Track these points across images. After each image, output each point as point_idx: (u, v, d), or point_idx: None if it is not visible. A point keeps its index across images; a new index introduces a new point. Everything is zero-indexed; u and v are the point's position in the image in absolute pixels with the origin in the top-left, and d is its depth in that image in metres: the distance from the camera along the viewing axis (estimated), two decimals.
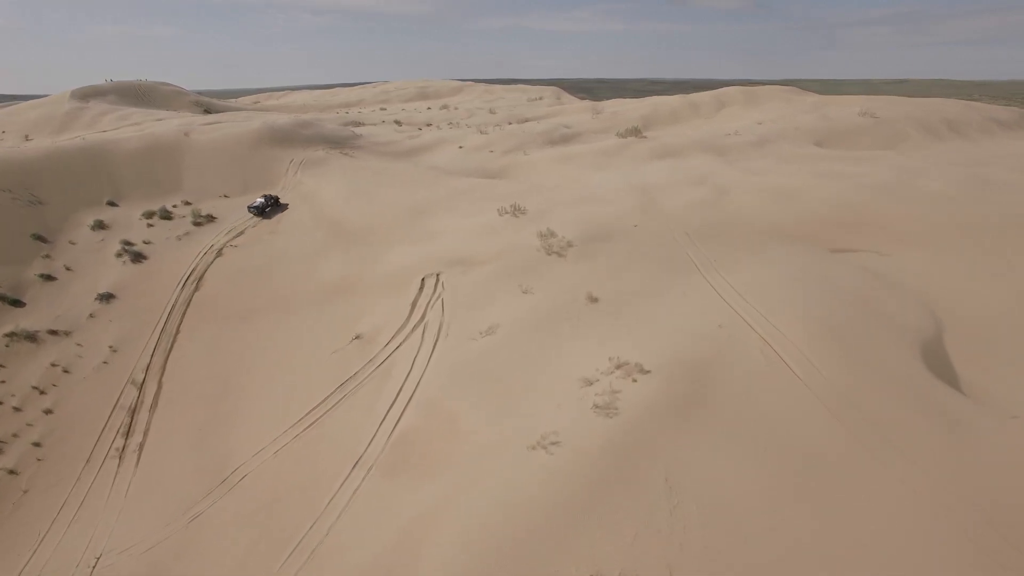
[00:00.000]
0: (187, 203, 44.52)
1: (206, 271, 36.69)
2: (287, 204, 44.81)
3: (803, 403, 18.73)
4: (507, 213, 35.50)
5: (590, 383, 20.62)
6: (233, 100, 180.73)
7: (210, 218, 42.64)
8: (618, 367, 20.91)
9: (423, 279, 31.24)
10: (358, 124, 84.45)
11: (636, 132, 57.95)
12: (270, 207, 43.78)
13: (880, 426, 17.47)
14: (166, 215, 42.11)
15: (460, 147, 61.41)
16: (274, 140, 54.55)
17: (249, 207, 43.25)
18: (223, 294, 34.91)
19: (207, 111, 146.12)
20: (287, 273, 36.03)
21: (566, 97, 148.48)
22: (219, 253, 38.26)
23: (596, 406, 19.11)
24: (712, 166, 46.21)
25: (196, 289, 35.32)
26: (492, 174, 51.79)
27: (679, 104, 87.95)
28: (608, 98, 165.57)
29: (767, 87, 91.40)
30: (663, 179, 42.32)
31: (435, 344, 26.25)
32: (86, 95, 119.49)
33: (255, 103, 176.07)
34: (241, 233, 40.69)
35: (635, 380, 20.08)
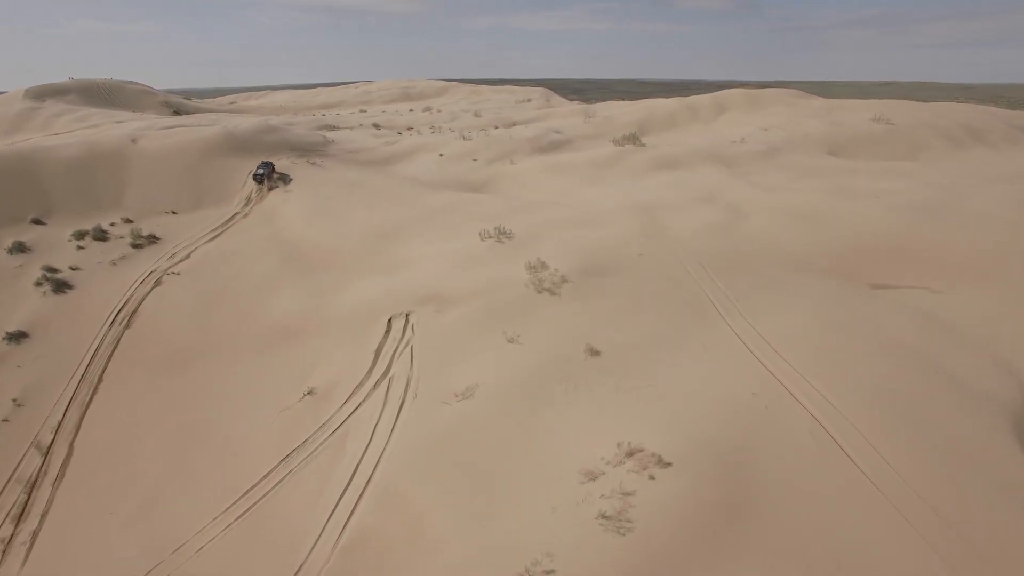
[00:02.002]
0: (128, 221, 39.86)
1: (141, 304, 32.07)
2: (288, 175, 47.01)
3: (875, 513, 14.55)
4: (490, 237, 31.18)
5: (593, 477, 16.32)
6: (211, 100, 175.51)
7: (152, 239, 38.01)
8: (629, 455, 16.63)
9: (390, 319, 26.84)
10: (332, 128, 79.82)
11: (634, 140, 53.88)
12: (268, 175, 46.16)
13: (985, 554, 13.30)
14: (101, 235, 37.42)
15: (441, 155, 57.03)
16: (232, 148, 49.91)
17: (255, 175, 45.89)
18: (158, 333, 30.30)
19: (176, 112, 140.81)
20: (235, 307, 31.47)
21: (556, 99, 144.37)
22: (158, 282, 33.64)
23: (603, 516, 14.82)
24: (720, 180, 42.18)
25: (127, 327, 30.70)
26: (475, 186, 47.44)
27: (676, 108, 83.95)
28: (597, 99, 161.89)
29: (770, 90, 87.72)
30: (667, 196, 38.20)
31: (400, 407, 21.83)
32: (42, 94, 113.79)
33: (232, 103, 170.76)
34: (186, 257, 36.09)
35: (652, 477, 15.81)
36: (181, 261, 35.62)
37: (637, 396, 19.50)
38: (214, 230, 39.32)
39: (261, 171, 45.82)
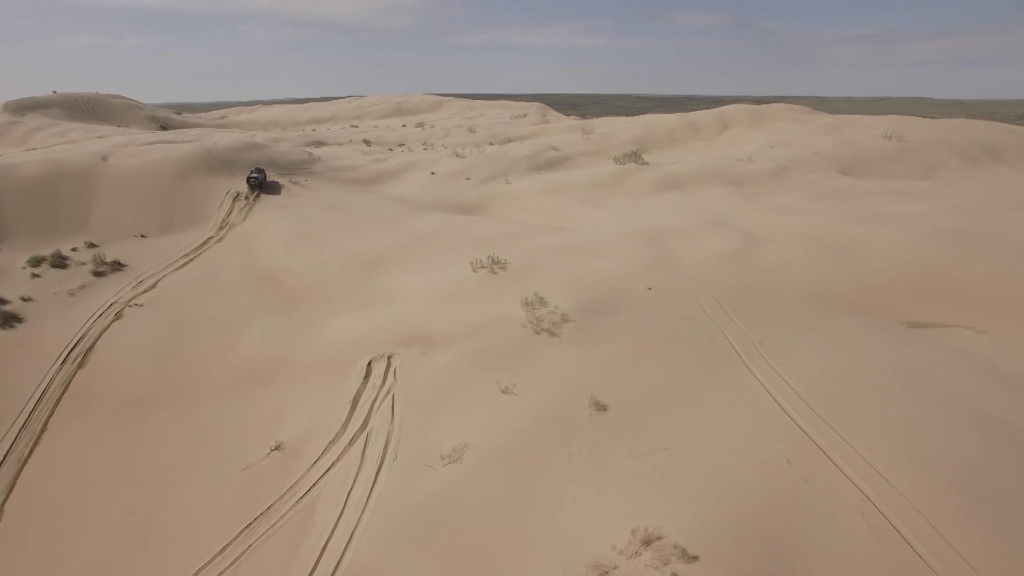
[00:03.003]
0: (91, 245, 37.28)
1: (97, 340, 29.40)
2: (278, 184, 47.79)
3: None
4: (483, 268, 28.66)
5: (604, 572, 13.67)
6: (202, 115, 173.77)
7: (117, 265, 35.41)
8: (646, 544, 14.00)
9: (370, 362, 24.21)
10: (320, 144, 77.55)
11: (635, 158, 51.62)
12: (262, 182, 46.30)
13: None
14: (59, 262, 34.77)
15: (432, 173, 54.69)
16: (210, 166, 47.49)
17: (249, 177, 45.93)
18: (114, 373, 27.60)
19: (163, 127, 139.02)
20: (201, 344, 28.81)
21: (552, 114, 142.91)
22: (119, 315, 31.00)
23: None
24: (730, 202, 39.86)
25: (80, 366, 28.00)
26: (467, 207, 45.03)
27: (677, 124, 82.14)
28: (593, 113, 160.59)
29: (774, 105, 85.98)
30: (674, 220, 35.80)
31: (378, 471, 19.16)
32: (22, 108, 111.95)
33: (221, 118, 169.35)
34: (152, 287, 33.46)
35: (675, 575, 13.17)
36: (146, 291, 32.99)
37: (653, 464, 16.88)
38: (185, 256, 36.74)
39: (256, 175, 45.93)
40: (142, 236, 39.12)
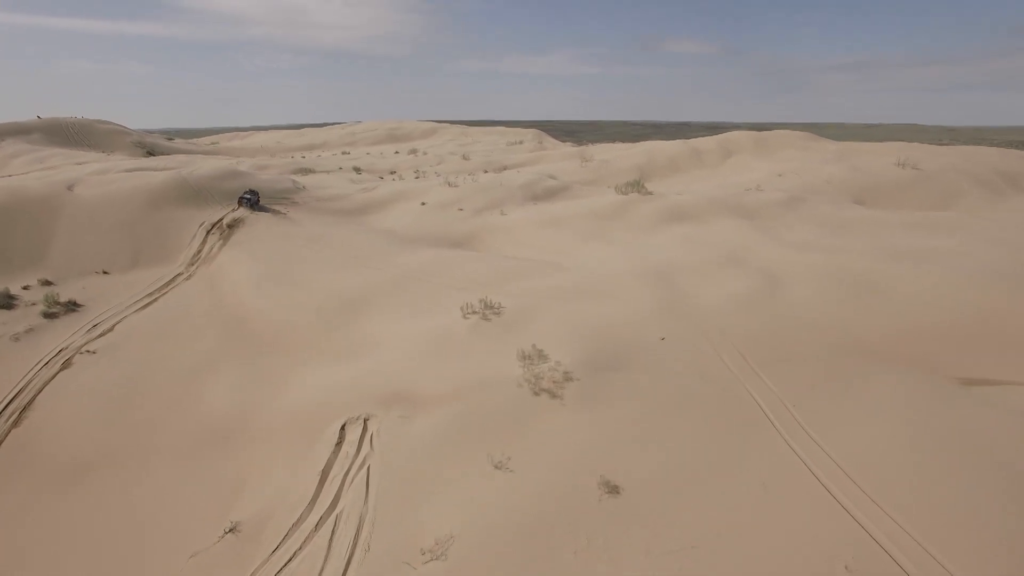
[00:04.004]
0: (46, 283, 34.38)
1: (40, 393, 26.39)
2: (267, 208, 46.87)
3: None
4: (474, 313, 25.85)
5: None
6: (196, 140, 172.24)
7: (72, 306, 32.50)
8: None
9: (343, 426, 21.25)
10: (307, 171, 75.18)
11: (638, 187, 49.20)
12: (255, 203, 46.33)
13: None
14: (6, 302, 31.87)
15: (423, 203, 52.11)
16: (185, 196, 44.84)
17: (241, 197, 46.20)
18: (55, 433, 24.56)
19: (150, 153, 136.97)
20: (156, 398, 25.83)
21: (548, 141, 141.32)
22: (67, 363, 28.04)
23: None
24: (743, 236, 37.27)
25: (15, 424, 24.95)
26: (459, 241, 42.36)
27: (679, 151, 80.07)
28: (590, 140, 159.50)
29: (779, 132, 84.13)
30: (684, 257, 33.14)
31: (347, 566, 16.12)
32: (2, 133, 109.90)
33: (213, 144, 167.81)
34: (109, 330, 30.55)
35: None
36: (101, 335, 30.06)
37: (678, 567, 13.92)
38: (149, 295, 33.87)
39: (249, 196, 46.19)
40: (104, 272, 36.28)
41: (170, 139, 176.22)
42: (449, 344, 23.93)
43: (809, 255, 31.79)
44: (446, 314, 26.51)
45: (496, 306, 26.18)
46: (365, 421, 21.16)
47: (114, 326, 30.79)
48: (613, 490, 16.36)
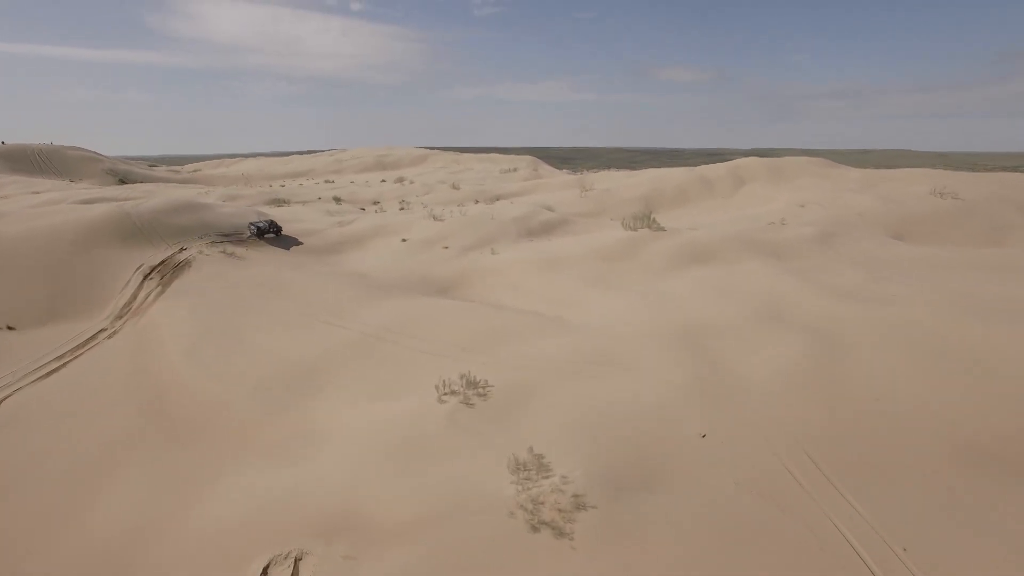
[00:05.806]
0: None
1: None
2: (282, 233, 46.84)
3: None
4: (453, 394, 20.29)
5: None
6: (180, 168, 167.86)
7: None
8: None
9: (267, 568, 15.53)
10: (282, 203, 69.94)
11: (648, 222, 43.99)
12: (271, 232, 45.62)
13: None
14: None
15: (404, 240, 46.81)
16: (124, 234, 39.47)
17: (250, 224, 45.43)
18: None
19: (122, 181, 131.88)
20: (35, 511, 20.01)
21: (544, 168, 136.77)
22: None
23: None
24: (778, 281, 31.90)
25: None
26: (442, 287, 36.88)
27: (686, 179, 75.13)
28: (586, 167, 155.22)
29: (793, 159, 79.40)
30: (712, 310, 27.72)
31: None
32: None
33: (194, 171, 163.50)
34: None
35: None
36: None
37: None
38: (59, 358, 28.21)
39: (263, 224, 45.43)
40: (9, 328, 30.62)
41: (153, 166, 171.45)
42: (418, 443, 18.27)
43: (864, 308, 26.37)
44: (417, 394, 20.94)
45: (482, 384, 20.65)
46: (296, 562, 15.43)
47: (4, 399, 25.08)
48: None
